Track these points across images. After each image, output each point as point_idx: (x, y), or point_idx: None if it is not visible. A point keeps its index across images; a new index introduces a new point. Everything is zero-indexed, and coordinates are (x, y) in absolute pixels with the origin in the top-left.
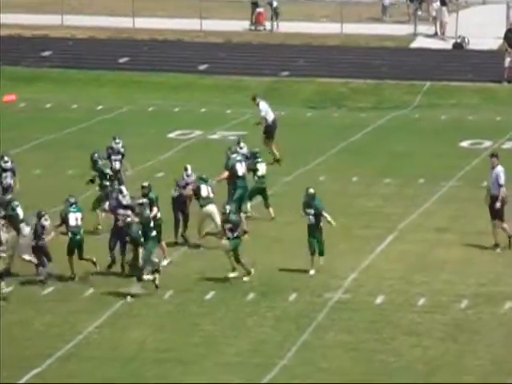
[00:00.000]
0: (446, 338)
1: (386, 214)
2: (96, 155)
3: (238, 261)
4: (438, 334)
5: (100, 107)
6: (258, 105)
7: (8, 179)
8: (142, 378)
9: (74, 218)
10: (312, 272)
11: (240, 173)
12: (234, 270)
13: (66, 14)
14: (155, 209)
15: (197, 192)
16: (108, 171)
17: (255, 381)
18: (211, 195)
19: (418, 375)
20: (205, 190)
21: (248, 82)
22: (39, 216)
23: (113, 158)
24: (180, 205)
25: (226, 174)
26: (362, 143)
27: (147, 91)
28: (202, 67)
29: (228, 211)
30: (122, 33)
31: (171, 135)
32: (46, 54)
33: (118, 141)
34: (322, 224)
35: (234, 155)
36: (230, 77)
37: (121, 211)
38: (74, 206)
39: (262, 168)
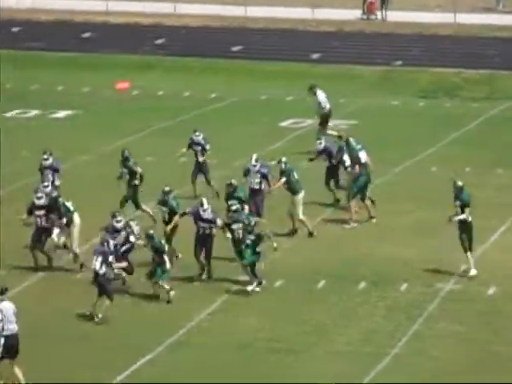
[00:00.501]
0: None
1: (498, 204)
2: (126, 152)
3: (254, 274)
4: None
5: (213, 95)
6: (315, 94)
7: (49, 176)
8: (253, 367)
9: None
10: (472, 272)
11: (363, 160)
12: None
13: (179, 2)
14: (246, 207)
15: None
16: (138, 169)
17: (366, 370)
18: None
19: None
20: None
21: (360, 71)
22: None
23: (195, 148)
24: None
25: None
26: (475, 134)
27: (260, 80)
28: (315, 56)
29: (253, 223)
30: (234, 21)
31: (284, 124)
32: (160, 42)
33: (197, 133)
34: (468, 219)
35: (355, 144)
36: (343, 66)
37: (200, 224)
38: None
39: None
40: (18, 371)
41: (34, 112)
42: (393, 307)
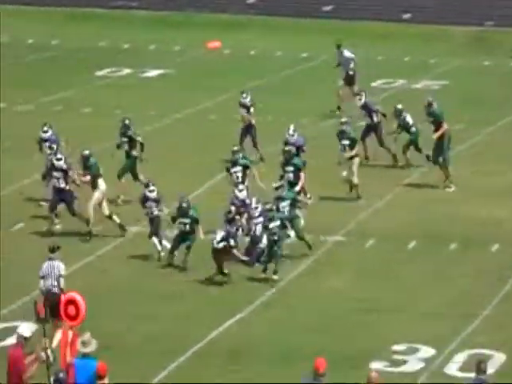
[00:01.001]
0: None
1: None
2: (127, 121)
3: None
4: None
5: (304, 55)
6: (342, 52)
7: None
8: (342, 327)
9: None
10: None
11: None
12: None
13: None
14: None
15: None
16: (139, 139)
17: (456, 332)
18: None
19: None
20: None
21: (452, 32)
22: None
23: (241, 110)
24: None
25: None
26: None
27: (352, 40)
28: (406, 16)
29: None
30: None
31: (374, 84)
32: (251, 1)
33: (244, 95)
34: None
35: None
36: (434, 26)
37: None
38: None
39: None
40: (56, 333)
41: (125, 71)
42: (483, 268)
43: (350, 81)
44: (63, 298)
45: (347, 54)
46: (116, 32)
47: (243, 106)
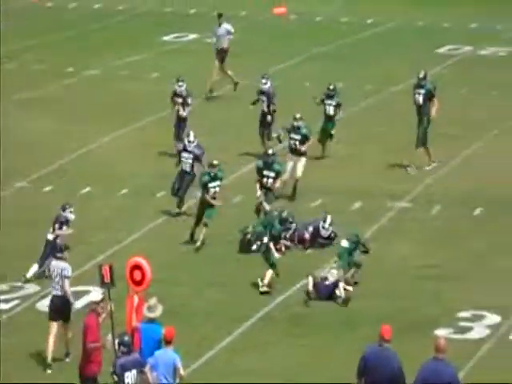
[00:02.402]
0: None
1: None
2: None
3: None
4: None
5: (370, 21)
6: (219, 25)
7: None
8: (408, 294)
9: None
10: None
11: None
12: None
13: None
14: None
15: None
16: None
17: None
18: None
19: None
20: None
21: None
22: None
23: (176, 100)
24: None
25: None
26: None
27: (418, 6)
28: None
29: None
30: None
31: (440, 50)
32: None
33: (180, 83)
34: None
35: None
36: None
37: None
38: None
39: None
40: (67, 335)
41: (191, 36)
42: None
43: (223, 57)
44: (129, 263)
45: (226, 26)
46: None
47: (179, 95)
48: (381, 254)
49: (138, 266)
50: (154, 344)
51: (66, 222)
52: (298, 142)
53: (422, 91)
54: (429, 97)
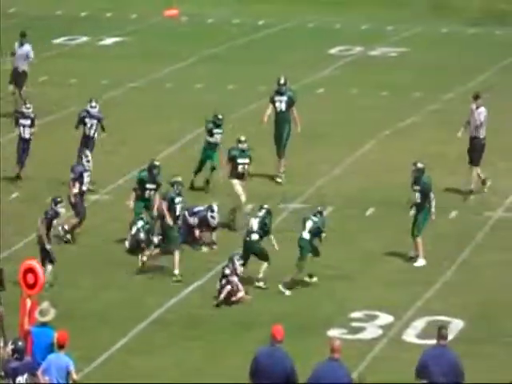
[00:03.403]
0: None
1: None
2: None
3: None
4: None
5: (261, 22)
6: (21, 44)
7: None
8: (300, 294)
9: None
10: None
11: None
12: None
13: None
14: None
15: None
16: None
17: (415, 298)
18: None
19: None
20: None
21: None
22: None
23: (87, 122)
24: None
25: None
26: None
27: (309, 7)
28: None
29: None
30: None
31: (332, 51)
32: None
33: (94, 104)
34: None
35: None
36: None
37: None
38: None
39: None
40: None
41: (82, 39)
42: (442, 235)
43: (21, 80)
44: (22, 266)
45: (27, 48)
46: (73, 0)
47: (92, 116)
48: (275, 254)
49: (31, 270)
50: (47, 348)
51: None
52: (246, 166)
53: (284, 98)
54: (290, 104)
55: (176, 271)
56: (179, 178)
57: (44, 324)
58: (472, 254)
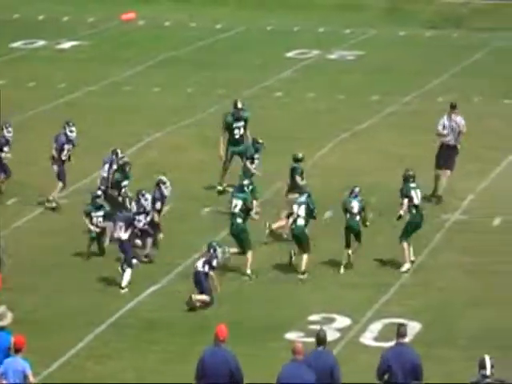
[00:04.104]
0: None
1: (505, 134)
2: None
3: None
4: None
5: (218, 26)
6: None
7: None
8: (258, 298)
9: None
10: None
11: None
12: None
13: None
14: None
15: None
16: None
17: (372, 301)
18: None
19: None
20: None
21: (368, 2)
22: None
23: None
24: None
25: None
26: (482, 64)
27: (266, 10)
28: None
29: None
30: None
31: (289, 54)
32: None
33: (10, 129)
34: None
35: None
36: None
37: None
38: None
39: None
40: None
41: (40, 42)
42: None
43: None
44: None
45: None
46: (30, 3)
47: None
48: (232, 260)
49: None
50: (3, 352)
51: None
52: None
53: (242, 123)
54: (246, 125)
55: (248, 271)
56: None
57: (1, 328)
58: (429, 257)
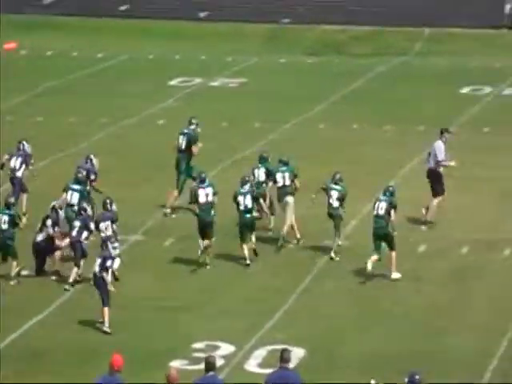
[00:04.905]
0: (447, 285)
1: (386, 160)
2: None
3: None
4: (438, 280)
5: (100, 55)
6: None
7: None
8: (143, 326)
9: (204, 195)
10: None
11: None
12: None
13: None
14: None
15: None
16: None
17: (257, 326)
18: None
19: (417, 322)
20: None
21: (249, 29)
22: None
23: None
24: None
25: None
26: (363, 90)
27: (148, 39)
28: (203, 14)
29: None
30: None
31: (172, 82)
32: (48, 1)
33: (25, 145)
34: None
35: None
36: (231, 24)
37: None
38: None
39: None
40: None
41: None
42: (282, 264)
43: None
44: None
45: None
46: None
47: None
48: (118, 287)
49: None
50: None
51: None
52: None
53: (184, 137)
54: (189, 144)
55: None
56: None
57: None
58: (313, 283)
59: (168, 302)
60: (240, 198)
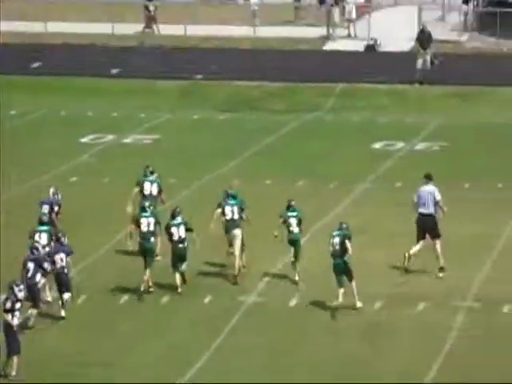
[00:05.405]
0: (361, 340)
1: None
2: None
3: None
4: (352, 335)
5: (12, 112)
6: None
7: None
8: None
9: (146, 223)
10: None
11: None
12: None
13: None
14: None
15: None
16: None
17: (171, 381)
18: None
19: (333, 375)
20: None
21: (161, 86)
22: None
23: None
24: None
25: None
26: (276, 146)
27: (59, 96)
28: (115, 71)
29: None
30: (34, 38)
31: (84, 139)
32: None
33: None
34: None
35: None
36: (143, 80)
37: None
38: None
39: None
40: None
41: None
42: (196, 320)
43: None
44: None
45: None
46: None
47: None
48: (29, 341)
49: None
50: None
51: None
52: None
53: (152, 184)
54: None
55: None
56: None
57: None
58: (227, 338)
59: (79, 357)
60: (173, 229)
